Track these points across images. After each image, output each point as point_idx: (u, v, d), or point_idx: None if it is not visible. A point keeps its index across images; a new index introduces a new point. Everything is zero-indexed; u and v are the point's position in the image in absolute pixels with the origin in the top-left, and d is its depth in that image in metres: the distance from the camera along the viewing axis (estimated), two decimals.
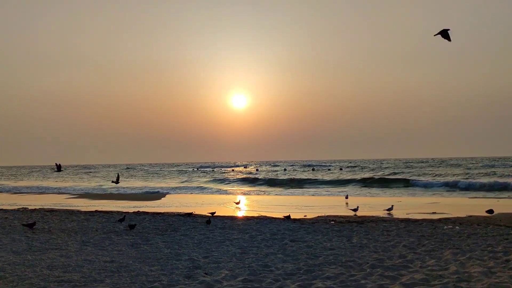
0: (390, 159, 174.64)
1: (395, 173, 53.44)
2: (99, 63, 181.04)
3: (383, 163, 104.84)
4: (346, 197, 25.07)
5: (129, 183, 50.73)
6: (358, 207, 18.82)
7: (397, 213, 18.21)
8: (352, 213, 18.04)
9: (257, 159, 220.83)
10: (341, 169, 69.81)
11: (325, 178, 48.50)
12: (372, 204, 23.15)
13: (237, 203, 22.47)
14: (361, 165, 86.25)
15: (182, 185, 46.16)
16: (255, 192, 36.39)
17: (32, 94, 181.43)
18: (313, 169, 72.78)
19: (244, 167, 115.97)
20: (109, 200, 28.32)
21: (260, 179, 48.10)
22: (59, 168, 13.18)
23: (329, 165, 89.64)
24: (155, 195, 33.77)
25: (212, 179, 54.00)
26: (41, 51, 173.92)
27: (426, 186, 35.25)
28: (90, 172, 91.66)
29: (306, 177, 51.02)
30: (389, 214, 17.97)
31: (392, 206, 18.97)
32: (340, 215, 17.57)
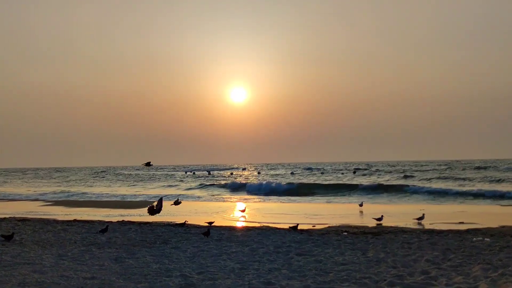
0: (407, 161, 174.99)
1: (412, 177, 53.49)
2: (85, 55, 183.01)
3: (398, 165, 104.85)
4: (361, 205, 25.04)
5: (113, 189, 50.77)
6: (382, 216, 18.78)
7: (409, 222, 18.18)
8: (375, 223, 18.07)
9: (256, 160, 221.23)
10: (354, 172, 69.82)
11: (332, 182, 48.50)
12: (391, 212, 23.11)
13: (242, 211, 22.58)
14: (377, 167, 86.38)
15: (173, 191, 46.18)
16: (259, 199, 36.35)
17: None
18: (322, 173, 72.86)
19: (243, 170, 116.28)
20: (89, 208, 28.34)
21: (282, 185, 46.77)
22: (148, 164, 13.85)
23: (341, 168, 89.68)
24: (142, 202, 33.71)
25: (210, 183, 53.93)
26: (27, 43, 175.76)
27: (449, 193, 35.02)
28: (61, 176, 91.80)
29: (321, 182, 51.02)
30: (420, 224, 17.99)
31: (423, 214, 18.84)
32: (354, 225, 17.55)
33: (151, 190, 47.32)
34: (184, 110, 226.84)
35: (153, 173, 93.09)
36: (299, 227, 16.13)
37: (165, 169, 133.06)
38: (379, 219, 18.40)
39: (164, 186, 54.17)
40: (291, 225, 16.25)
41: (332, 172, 75.20)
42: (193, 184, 54.43)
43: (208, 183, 54.34)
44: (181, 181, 62.62)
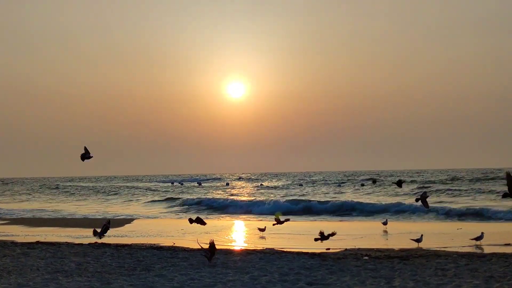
0: (430, 170, 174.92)
1: (438, 191, 53.44)
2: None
3: (423, 175, 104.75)
4: (385, 223, 25.08)
5: (79, 204, 50.86)
6: (422, 236, 18.76)
7: (456, 244, 18.19)
8: (414, 245, 18.18)
9: (255, 168, 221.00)
10: (374, 182, 69.53)
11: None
12: (423, 232, 23.06)
13: (262, 230, 22.74)
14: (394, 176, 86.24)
15: (156, 207, 46.22)
16: (260, 218, 36.41)
17: None
18: (339, 185, 72.75)
19: (239, 180, 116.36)
20: (55, 228, 28.34)
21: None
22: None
23: (359, 179, 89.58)
24: (119, 220, 33.64)
25: (205, 197, 53.76)
26: None
27: (490, 211, 34.23)
28: (8, 189, 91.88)
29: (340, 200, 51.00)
30: (477, 246, 18.10)
31: (482, 233, 18.80)
32: (377, 248, 17.57)
33: (115, 207, 47.43)
34: (173, 107, 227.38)
35: (138, 186, 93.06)
36: (311, 251, 16.11)
37: (151, 180, 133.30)
38: (418, 240, 18.42)
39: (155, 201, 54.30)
40: (319, 236, 15.61)
41: (349, 185, 75.25)
42: (183, 197, 54.34)
43: (204, 197, 54.26)
44: (168, 194, 62.73)
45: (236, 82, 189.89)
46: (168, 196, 57.74)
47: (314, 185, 77.91)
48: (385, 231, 23.81)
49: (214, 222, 31.80)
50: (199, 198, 51.14)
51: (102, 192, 71.81)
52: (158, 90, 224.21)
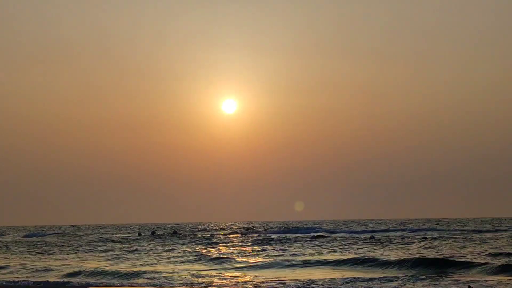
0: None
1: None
2: None
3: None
4: None
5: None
6: None
7: None
8: None
9: (242, 215, 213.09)
10: (371, 237, 61.16)
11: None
12: None
13: None
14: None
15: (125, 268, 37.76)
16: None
17: None
18: (371, 237, 62.25)
19: (221, 230, 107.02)
20: None
21: None
22: None
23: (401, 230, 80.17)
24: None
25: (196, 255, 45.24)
26: None
27: None
28: None
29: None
30: None
31: None
32: None
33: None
34: (146, 131, 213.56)
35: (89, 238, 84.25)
36: None
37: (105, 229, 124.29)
38: None
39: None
40: None
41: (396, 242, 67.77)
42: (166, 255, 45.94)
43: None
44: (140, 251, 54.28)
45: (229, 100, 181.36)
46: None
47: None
48: None
49: None
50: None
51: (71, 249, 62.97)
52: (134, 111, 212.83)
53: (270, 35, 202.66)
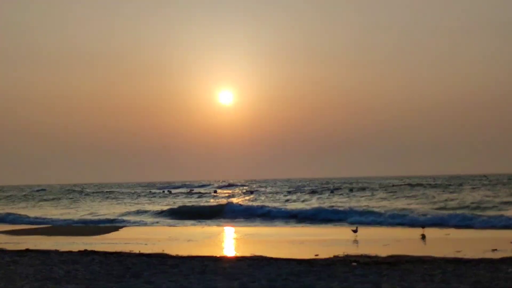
0: (437, 176, 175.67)
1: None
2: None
3: (428, 180, 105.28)
4: (355, 231, 24.43)
5: (69, 211, 50.57)
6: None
7: (443, 251, 18.26)
8: (402, 251, 18.10)
9: (245, 174, 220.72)
10: (332, 191, 70.95)
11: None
12: (397, 237, 23.09)
13: (355, 231, 24.46)
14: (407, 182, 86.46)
15: (144, 217, 46.04)
16: (247, 225, 36.43)
17: None
18: (331, 192, 72.49)
19: (229, 187, 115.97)
20: (44, 236, 28.23)
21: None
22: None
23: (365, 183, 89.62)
24: (107, 227, 33.63)
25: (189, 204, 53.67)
26: None
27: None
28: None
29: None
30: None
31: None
32: (365, 254, 17.62)
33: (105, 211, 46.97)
34: (160, 113, 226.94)
35: (124, 191, 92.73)
36: (299, 256, 16.13)
37: (136, 187, 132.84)
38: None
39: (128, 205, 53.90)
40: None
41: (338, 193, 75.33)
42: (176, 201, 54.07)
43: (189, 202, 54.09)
44: (158, 200, 62.47)
45: (225, 91, 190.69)
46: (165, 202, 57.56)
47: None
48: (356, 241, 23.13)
49: (205, 229, 31.83)
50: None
51: (94, 195, 71.50)
52: (143, 96, 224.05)
53: (269, 36, 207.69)
